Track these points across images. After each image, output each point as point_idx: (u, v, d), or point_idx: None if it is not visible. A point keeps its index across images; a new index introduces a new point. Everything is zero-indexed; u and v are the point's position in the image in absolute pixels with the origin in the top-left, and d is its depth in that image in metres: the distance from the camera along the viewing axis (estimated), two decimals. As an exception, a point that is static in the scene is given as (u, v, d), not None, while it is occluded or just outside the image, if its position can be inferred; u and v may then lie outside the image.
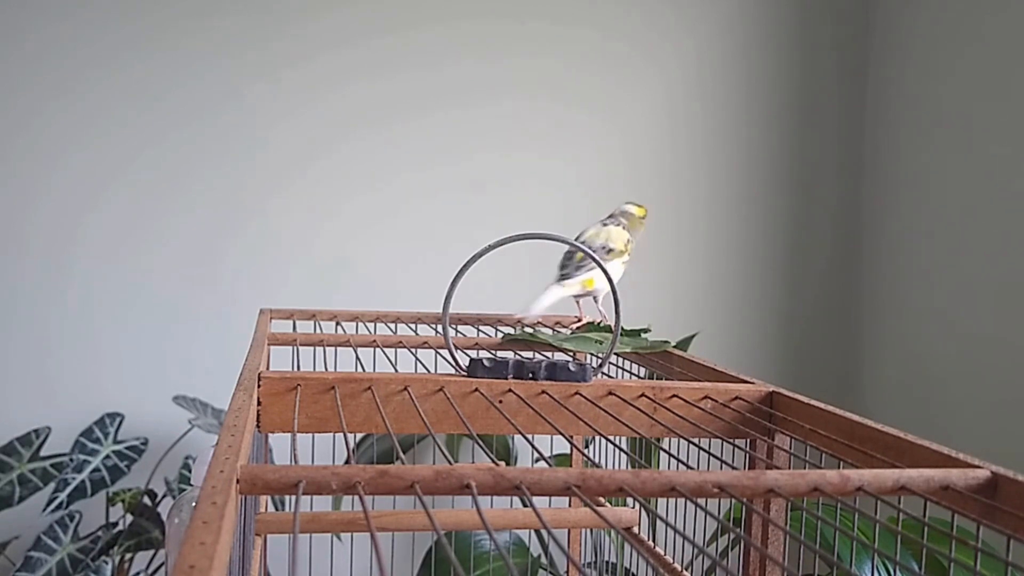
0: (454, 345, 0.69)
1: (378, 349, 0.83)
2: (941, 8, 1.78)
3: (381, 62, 1.79)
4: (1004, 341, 1.61)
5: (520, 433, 0.60)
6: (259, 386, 0.61)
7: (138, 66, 1.71)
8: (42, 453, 1.58)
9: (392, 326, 0.98)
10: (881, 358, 1.92)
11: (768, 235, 1.97)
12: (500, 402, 0.64)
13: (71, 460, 1.53)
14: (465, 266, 0.63)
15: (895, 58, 1.90)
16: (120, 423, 1.61)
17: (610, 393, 0.66)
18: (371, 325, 0.97)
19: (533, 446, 0.56)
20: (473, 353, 0.77)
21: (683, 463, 0.50)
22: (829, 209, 1.99)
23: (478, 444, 0.53)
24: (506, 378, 0.65)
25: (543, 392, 0.65)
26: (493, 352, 0.86)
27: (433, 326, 1.00)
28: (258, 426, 0.61)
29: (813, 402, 0.63)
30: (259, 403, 0.61)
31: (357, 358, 0.74)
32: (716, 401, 0.67)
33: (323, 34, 1.77)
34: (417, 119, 1.81)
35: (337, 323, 0.95)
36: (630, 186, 1.88)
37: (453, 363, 0.67)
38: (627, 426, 0.64)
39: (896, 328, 1.88)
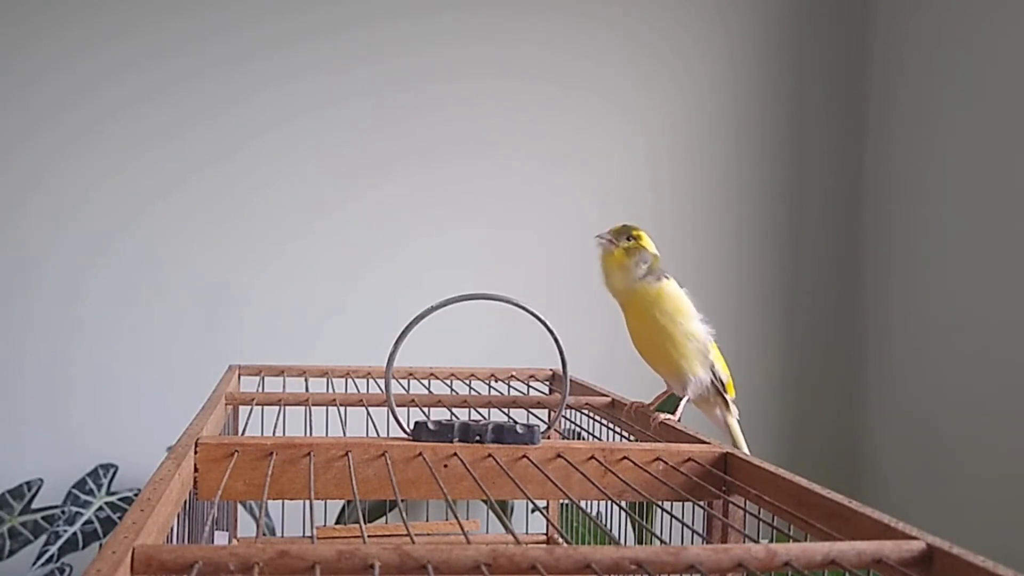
0: (396, 404, 0.68)
1: (340, 408, 0.82)
2: (942, 10, 1.77)
3: (361, 125, 1.81)
4: (1010, 348, 1.58)
5: (444, 499, 0.58)
6: (196, 452, 0.60)
7: (128, 128, 1.73)
8: (34, 505, 1.57)
9: (362, 381, 0.98)
10: (886, 376, 1.88)
11: (768, 252, 1.95)
12: (445, 467, 0.63)
13: (63, 512, 1.52)
14: (406, 329, 0.62)
15: (896, 72, 1.89)
16: (114, 474, 1.61)
17: (558, 456, 0.65)
18: (340, 381, 0.96)
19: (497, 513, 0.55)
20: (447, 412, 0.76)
21: (680, 520, 0.49)
22: (830, 228, 1.97)
23: (450, 506, 0.52)
24: (451, 441, 0.64)
25: (489, 456, 0.64)
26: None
27: (403, 382, 0.99)
28: (196, 493, 0.61)
29: (764, 465, 0.62)
30: (196, 469, 0.61)
31: (307, 421, 0.73)
32: (667, 464, 0.65)
33: (298, 101, 1.79)
34: (403, 176, 1.82)
35: (306, 379, 0.95)
36: (628, 202, 1.87)
37: (398, 425, 0.66)
38: (573, 491, 0.63)
39: (900, 345, 1.85)
